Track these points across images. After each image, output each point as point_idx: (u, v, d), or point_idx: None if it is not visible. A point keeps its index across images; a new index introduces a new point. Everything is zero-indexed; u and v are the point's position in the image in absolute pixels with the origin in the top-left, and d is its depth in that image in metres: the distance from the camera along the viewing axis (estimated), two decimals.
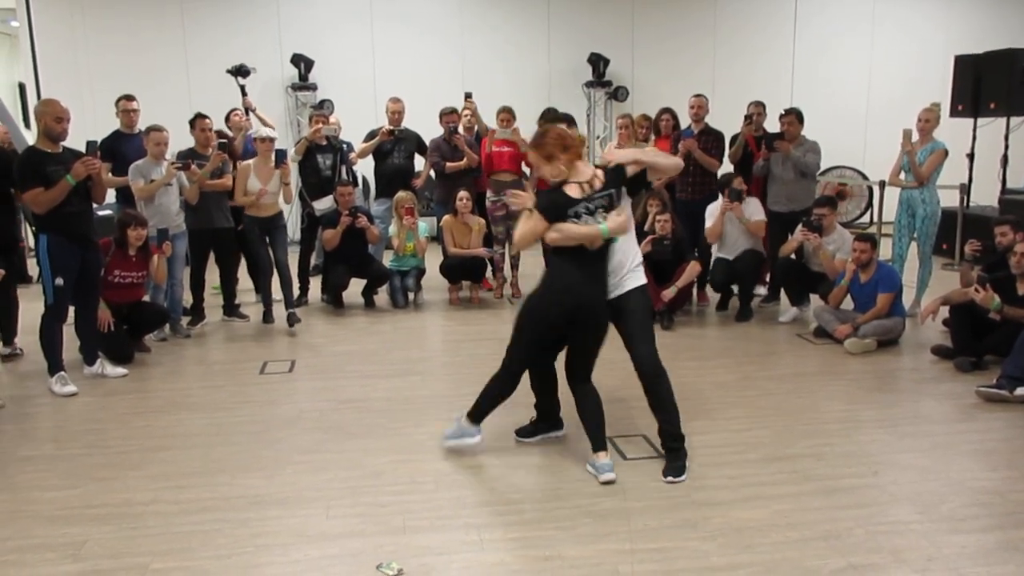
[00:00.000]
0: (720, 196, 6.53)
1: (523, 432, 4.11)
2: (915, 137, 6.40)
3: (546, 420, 4.12)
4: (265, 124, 7.62)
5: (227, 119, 7.62)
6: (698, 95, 6.99)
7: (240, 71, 7.80)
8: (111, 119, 6.56)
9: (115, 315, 5.46)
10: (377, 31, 10.83)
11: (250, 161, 6.33)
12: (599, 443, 3.70)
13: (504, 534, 3.19)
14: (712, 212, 6.58)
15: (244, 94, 7.71)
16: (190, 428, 4.35)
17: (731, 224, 6.53)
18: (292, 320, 6.26)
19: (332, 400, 4.77)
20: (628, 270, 3.73)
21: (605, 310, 3.66)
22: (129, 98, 6.46)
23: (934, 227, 6.52)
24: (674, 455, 3.70)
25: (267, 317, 6.43)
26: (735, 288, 6.84)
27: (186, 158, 6.20)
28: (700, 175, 6.81)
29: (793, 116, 6.67)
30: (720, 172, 6.92)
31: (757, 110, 7.20)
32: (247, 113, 7.67)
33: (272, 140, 6.35)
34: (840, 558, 2.97)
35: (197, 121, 6.46)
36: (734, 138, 7.12)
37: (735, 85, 11.34)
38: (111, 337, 5.41)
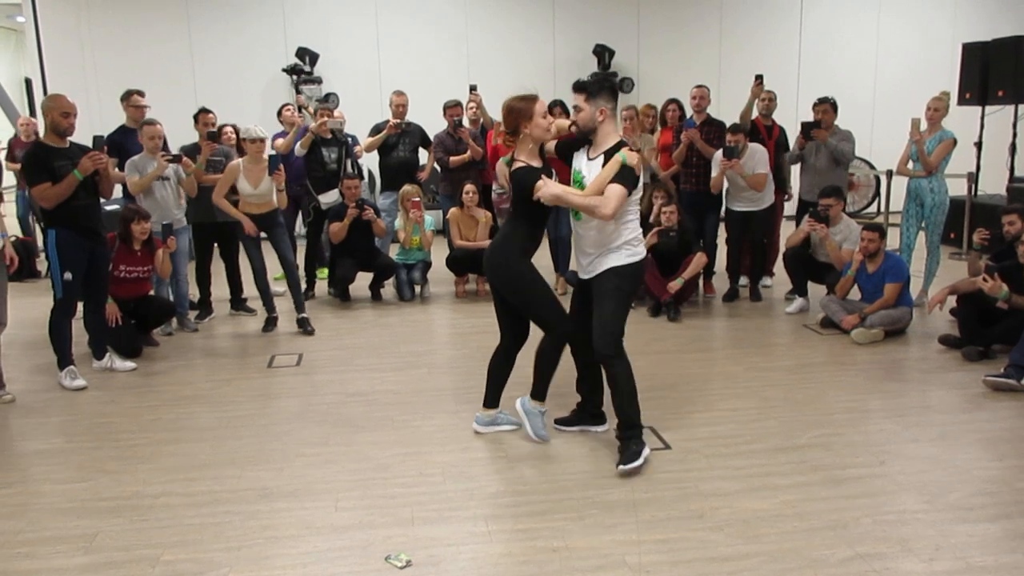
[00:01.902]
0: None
1: (563, 420, 4.13)
2: (924, 126, 6.37)
3: (587, 409, 4.12)
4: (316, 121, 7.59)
5: (279, 114, 7.76)
6: (700, 86, 6.96)
7: (295, 69, 7.97)
8: (117, 114, 6.58)
9: (122, 309, 5.49)
10: (382, 23, 10.82)
11: (239, 160, 6.04)
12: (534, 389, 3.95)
13: (512, 525, 3.21)
14: (718, 160, 6.55)
15: (298, 92, 7.83)
16: (199, 421, 4.38)
17: (736, 175, 6.53)
18: (304, 325, 6.07)
19: (340, 393, 4.78)
20: (606, 249, 3.69)
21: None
22: (140, 93, 6.48)
23: (942, 216, 6.49)
24: (623, 441, 3.69)
25: (269, 325, 6.15)
26: (742, 279, 6.86)
27: (191, 153, 6.23)
28: (704, 166, 6.79)
29: (828, 105, 6.61)
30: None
31: (768, 95, 7.15)
32: (300, 110, 7.74)
33: (263, 141, 5.97)
34: (847, 548, 2.98)
35: (200, 116, 6.47)
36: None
37: (741, 75, 11.25)
38: (119, 331, 5.44)
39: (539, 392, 3.94)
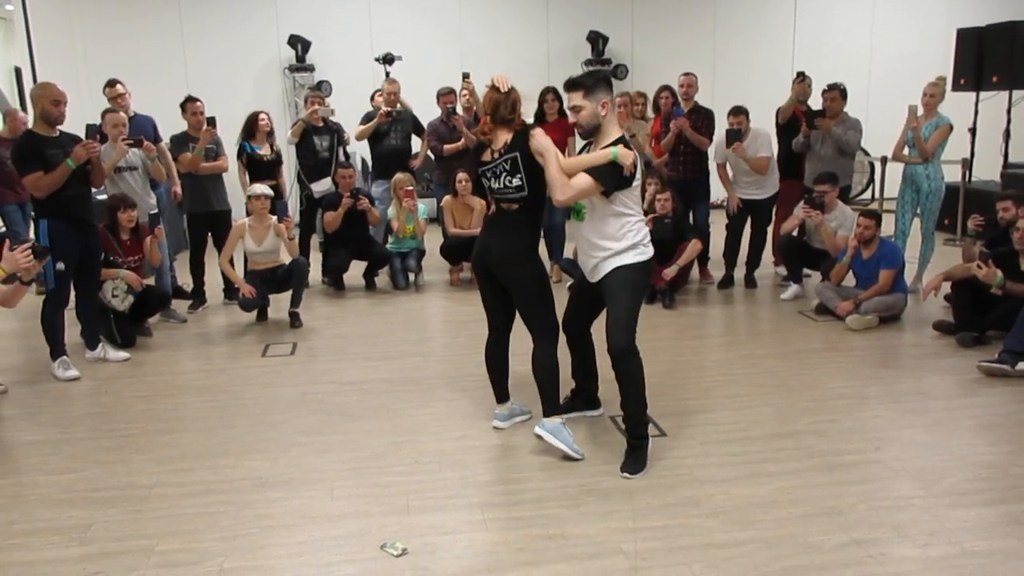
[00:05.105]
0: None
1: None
2: (920, 112, 6.35)
3: (581, 396, 4.09)
4: (404, 107, 7.55)
5: (372, 99, 7.95)
6: (687, 73, 6.89)
7: (386, 59, 8.05)
8: (106, 103, 6.53)
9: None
10: (375, 11, 10.74)
11: (245, 220, 6.04)
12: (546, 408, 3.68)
13: (507, 513, 3.20)
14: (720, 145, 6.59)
15: (388, 80, 7.91)
16: (193, 411, 4.36)
17: (739, 159, 6.54)
18: (294, 319, 6.01)
19: (334, 382, 4.77)
20: (613, 251, 3.53)
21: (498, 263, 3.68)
22: (111, 84, 6.44)
23: (938, 203, 6.49)
24: (632, 449, 3.55)
25: (263, 313, 6.17)
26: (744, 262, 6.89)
27: (182, 142, 6.18)
28: (691, 154, 6.76)
29: (836, 92, 6.52)
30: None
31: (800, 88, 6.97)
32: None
33: (268, 197, 6.02)
34: (843, 534, 2.98)
35: (188, 104, 6.43)
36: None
37: (736, 62, 11.28)
38: (113, 321, 5.41)
39: (552, 408, 3.66)
